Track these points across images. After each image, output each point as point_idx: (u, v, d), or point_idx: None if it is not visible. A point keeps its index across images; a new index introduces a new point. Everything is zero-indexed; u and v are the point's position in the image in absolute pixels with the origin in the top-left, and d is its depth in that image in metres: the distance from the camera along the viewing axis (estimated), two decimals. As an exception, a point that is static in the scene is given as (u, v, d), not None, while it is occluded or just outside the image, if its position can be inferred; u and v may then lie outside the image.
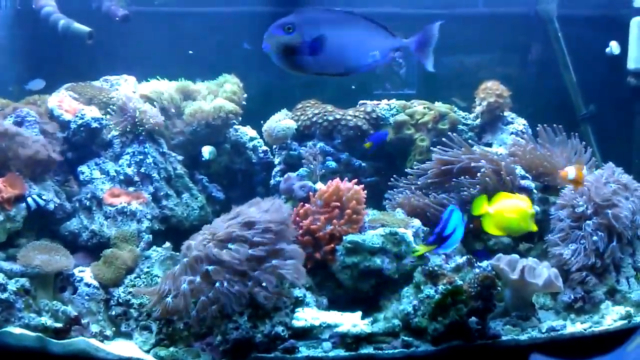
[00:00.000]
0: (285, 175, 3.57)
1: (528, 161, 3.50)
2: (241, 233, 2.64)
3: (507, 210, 2.53)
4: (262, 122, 4.00)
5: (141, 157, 3.57)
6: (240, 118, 4.06)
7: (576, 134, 3.62)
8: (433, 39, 2.40)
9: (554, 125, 3.63)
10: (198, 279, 2.56)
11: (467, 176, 3.31)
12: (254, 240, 2.61)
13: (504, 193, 2.58)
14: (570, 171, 2.78)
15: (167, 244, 3.17)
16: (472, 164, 3.34)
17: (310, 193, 3.20)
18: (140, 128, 3.56)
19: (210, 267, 2.55)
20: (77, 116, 3.57)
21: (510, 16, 4.69)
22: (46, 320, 2.73)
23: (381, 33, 2.38)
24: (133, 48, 4.34)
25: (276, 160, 3.99)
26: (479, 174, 3.26)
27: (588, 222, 3.07)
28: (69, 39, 4.12)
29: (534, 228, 2.62)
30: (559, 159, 3.51)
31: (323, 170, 3.67)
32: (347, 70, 2.38)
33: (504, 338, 2.69)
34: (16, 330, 2.66)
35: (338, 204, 3.01)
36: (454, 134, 3.59)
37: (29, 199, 3.12)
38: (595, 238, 3.01)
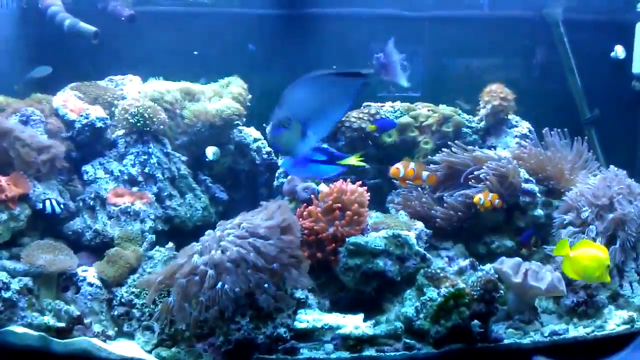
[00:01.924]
0: (289, 177, 3.57)
1: (532, 165, 3.50)
2: (246, 240, 2.64)
3: (586, 257, 2.65)
4: (265, 123, 4.00)
5: (145, 157, 3.57)
6: (244, 119, 4.07)
7: (580, 137, 3.62)
8: (392, 57, 2.47)
9: (558, 129, 3.62)
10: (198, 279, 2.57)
11: (472, 180, 3.32)
12: (258, 246, 2.62)
13: (587, 241, 2.72)
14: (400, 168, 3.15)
15: (170, 244, 3.17)
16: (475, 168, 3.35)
17: (313, 195, 3.20)
18: (145, 127, 3.57)
19: (211, 271, 2.56)
20: (81, 116, 3.58)
21: (516, 20, 4.69)
22: (49, 319, 2.73)
23: (347, 81, 2.51)
24: (138, 48, 4.35)
25: (280, 162, 3.99)
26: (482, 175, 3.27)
27: (591, 226, 3.06)
28: (74, 38, 4.13)
29: (607, 279, 2.74)
30: (563, 163, 3.50)
31: (326, 172, 3.67)
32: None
33: (506, 341, 2.69)
34: (19, 329, 2.66)
35: (340, 205, 3.01)
36: (458, 141, 3.59)
37: (47, 202, 3.14)
38: (598, 242, 3.01)
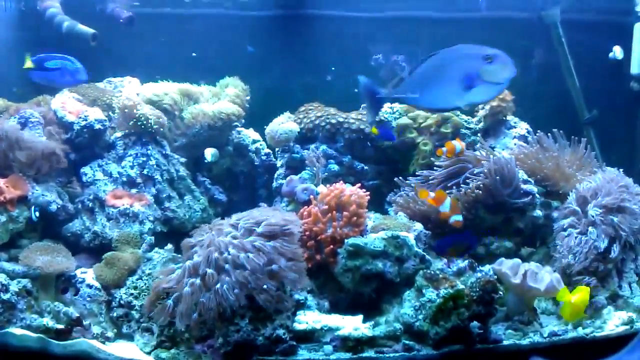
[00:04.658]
0: (288, 178, 3.58)
1: (530, 166, 3.50)
2: (244, 240, 2.64)
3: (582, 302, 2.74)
4: (264, 125, 4.01)
5: (144, 158, 3.58)
6: (243, 120, 4.07)
7: (579, 138, 3.62)
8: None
9: (557, 129, 3.63)
10: (198, 281, 2.57)
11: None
12: (256, 245, 2.61)
13: (584, 288, 2.77)
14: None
15: (169, 246, 3.17)
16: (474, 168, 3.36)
17: (312, 196, 3.20)
18: (144, 129, 3.57)
19: (209, 271, 2.56)
20: (80, 117, 3.58)
21: (514, 21, 4.69)
22: (48, 321, 2.73)
23: None
24: (137, 50, 4.35)
25: (279, 163, 4.00)
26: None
27: (591, 227, 3.06)
28: (73, 40, 4.13)
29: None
30: (561, 164, 3.50)
31: (326, 173, 3.67)
32: None
33: (505, 343, 2.68)
34: (18, 331, 2.66)
35: (339, 206, 3.01)
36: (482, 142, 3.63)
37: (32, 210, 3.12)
38: (597, 243, 3.01)
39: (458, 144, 3.40)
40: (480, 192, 3.24)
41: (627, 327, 2.81)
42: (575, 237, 3.09)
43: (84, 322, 2.79)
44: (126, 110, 3.58)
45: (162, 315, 2.61)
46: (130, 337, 2.85)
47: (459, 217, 3.03)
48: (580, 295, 2.69)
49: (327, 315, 2.79)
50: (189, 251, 2.72)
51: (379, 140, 3.89)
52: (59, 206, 3.32)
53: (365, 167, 3.95)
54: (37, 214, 3.12)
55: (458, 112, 4.07)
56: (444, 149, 3.39)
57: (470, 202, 3.27)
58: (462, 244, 3.07)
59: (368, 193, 3.12)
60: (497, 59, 2.82)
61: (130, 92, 3.94)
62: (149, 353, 2.71)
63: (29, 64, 3.31)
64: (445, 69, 2.86)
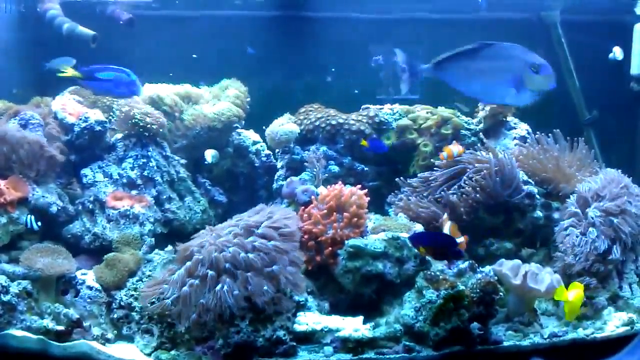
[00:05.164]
0: (288, 179, 3.57)
1: (531, 167, 3.50)
2: (243, 240, 2.64)
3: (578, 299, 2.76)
4: (264, 126, 4.01)
5: (144, 160, 3.58)
6: (243, 122, 4.07)
7: (579, 138, 3.62)
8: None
9: (556, 130, 3.63)
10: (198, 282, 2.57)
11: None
12: (257, 246, 2.61)
13: (577, 284, 2.81)
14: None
15: (170, 247, 3.16)
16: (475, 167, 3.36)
17: (313, 197, 3.20)
18: (144, 131, 3.58)
19: (210, 272, 2.56)
20: (80, 119, 3.58)
21: (514, 21, 4.69)
22: (48, 322, 2.73)
23: None
24: (137, 52, 4.35)
25: (279, 164, 4.00)
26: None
27: (592, 228, 3.06)
28: (73, 42, 4.13)
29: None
30: (562, 164, 3.50)
31: (326, 175, 3.67)
32: None
33: (505, 343, 2.68)
34: (18, 332, 2.66)
35: (339, 207, 3.01)
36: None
37: (28, 217, 3.10)
38: (597, 244, 3.01)
39: (455, 149, 3.43)
40: (478, 194, 3.25)
41: (628, 328, 2.81)
42: (576, 237, 3.08)
43: (84, 324, 2.79)
44: (125, 111, 3.58)
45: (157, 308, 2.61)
46: (130, 339, 2.85)
47: (460, 239, 3.01)
48: (576, 292, 2.70)
49: (327, 316, 2.79)
50: (186, 253, 2.71)
51: (378, 139, 3.89)
52: (59, 208, 3.32)
53: (366, 168, 3.95)
54: (35, 222, 3.10)
55: (458, 113, 4.07)
56: (444, 154, 3.44)
57: (468, 206, 3.27)
58: (440, 248, 2.84)
59: (366, 191, 3.12)
60: (543, 69, 2.87)
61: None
62: (149, 354, 2.71)
63: (71, 72, 3.34)
64: (498, 66, 2.90)
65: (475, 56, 2.91)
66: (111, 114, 3.72)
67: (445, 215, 3.26)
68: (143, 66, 4.23)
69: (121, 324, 2.90)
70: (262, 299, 2.55)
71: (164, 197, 3.58)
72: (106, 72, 3.38)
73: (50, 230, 3.32)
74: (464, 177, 3.36)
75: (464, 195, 3.30)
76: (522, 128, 4.05)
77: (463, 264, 2.90)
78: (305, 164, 3.71)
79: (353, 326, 2.67)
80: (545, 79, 2.86)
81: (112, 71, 3.38)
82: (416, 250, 2.92)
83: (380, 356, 2.59)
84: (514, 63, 2.87)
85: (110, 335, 2.84)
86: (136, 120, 3.56)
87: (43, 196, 3.26)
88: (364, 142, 3.73)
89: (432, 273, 2.72)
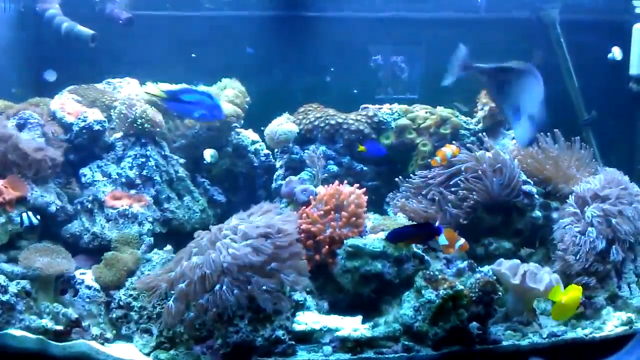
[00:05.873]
0: (287, 179, 3.57)
1: (530, 166, 3.50)
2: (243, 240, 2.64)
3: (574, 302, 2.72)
4: (263, 125, 4.01)
5: (143, 159, 3.57)
6: (242, 121, 4.07)
7: (578, 138, 3.63)
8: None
9: (556, 130, 3.63)
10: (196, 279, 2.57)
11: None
12: (255, 246, 2.61)
13: (576, 287, 2.75)
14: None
15: (168, 247, 3.17)
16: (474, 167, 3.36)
17: (311, 197, 3.20)
18: (143, 130, 3.57)
19: (208, 271, 2.56)
20: (79, 118, 3.58)
21: (513, 21, 4.69)
22: (47, 322, 2.73)
23: None
24: (136, 51, 4.35)
25: (278, 164, 4.00)
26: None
27: (591, 228, 3.06)
28: (72, 41, 4.13)
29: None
30: (561, 164, 3.50)
31: (325, 174, 3.67)
32: None
33: (504, 343, 2.68)
34: (17, 332, 2.66)
35: (339, 207, 3.01)
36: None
37: (24, 215, 3.09)
38: (596, 243, 3.01)
39: (449, 150, 3.41)
40: (475, 195, 3.25)
41: (626, 327, 2.82)
42: (575, 237, 3.09)
43: (83, 323, 2.79)
44: (124, 111, 3.58)
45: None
46: (129, 338, 2.85)
47: (461, 242, 2.99)
48: (570, 294, 2.67)
49: (326, 316, 2.79)
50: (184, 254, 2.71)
51: (378, 139, 3.89)
52: (58, 207, 3.32)
53: (365, 168, 3.95)
54: (35, 215, 3.10)
55: (457, 113, 4.08)
56: (437, 158, 3.40)
57: (464, 212, 3.28)
58: (419, 238, 2.91)
59: (365, 190, 3.12)
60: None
61: (130, 93, 3.94)
62: (148, 354, 2.71)
63: (157, 92, 3.46)
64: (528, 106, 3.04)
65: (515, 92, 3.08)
66: (110, 113, 3.71)
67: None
68: (143, 66, 4.25)
69: (120, 324, 2.90)
70: (263, 297, 2.54)
71: (163, 196, 3.58)
72: (190, 94, 3.39)
73: (49, 229, 3.32)
74: (458, 180, 3.36)
75: (459, 201, 3.30)
76: (522, 128, 4.05)
77: (462, 264, 2.90)
78: (305, 163, 3.71)
79: (352, 326, 2.67)
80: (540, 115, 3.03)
81: (196, 94, 3.40)
82: (415, 250, 2.93)
83: (379, 356, 2.59)
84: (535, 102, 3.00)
85: (109, 335, 2.84)
86: (134, 119, 3.55)
87: (42, 195, 3.26)
88: (361, 148, 3.73)
89: (431, 273, 2.72)
